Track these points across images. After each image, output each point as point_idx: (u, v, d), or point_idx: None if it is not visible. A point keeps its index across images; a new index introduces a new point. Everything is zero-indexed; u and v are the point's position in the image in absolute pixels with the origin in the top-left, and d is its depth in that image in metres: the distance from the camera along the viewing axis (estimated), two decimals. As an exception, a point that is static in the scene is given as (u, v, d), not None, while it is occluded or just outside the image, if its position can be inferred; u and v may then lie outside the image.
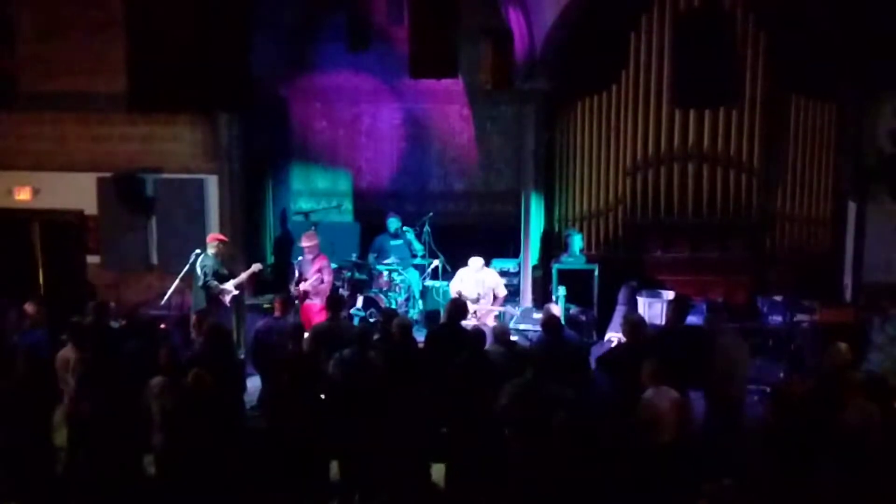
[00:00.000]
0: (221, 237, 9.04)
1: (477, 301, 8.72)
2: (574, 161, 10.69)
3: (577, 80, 10.43)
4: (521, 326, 8.99)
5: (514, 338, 7.70)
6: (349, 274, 10.24)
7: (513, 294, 10.45)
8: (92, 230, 10.89)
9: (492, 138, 11.59)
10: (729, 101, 9.16)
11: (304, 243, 9.03)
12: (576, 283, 9.54)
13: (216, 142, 10.63)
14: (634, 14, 10.10)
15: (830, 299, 9.51)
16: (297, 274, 9.02)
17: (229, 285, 8.69)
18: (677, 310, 6.82)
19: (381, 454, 5.72)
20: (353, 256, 10.49)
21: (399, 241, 10.45)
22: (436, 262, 10.21)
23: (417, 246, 10.40)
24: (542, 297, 10.14)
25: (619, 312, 9.20)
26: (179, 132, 10.61)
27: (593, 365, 6.73)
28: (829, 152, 10.16)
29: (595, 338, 9.07)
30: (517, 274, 10.56)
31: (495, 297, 9.01)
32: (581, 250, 10.10)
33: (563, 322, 7.31)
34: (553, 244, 10.69)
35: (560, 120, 10.66)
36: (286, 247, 11.46)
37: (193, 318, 8.29)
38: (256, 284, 10.50)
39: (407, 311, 9.86)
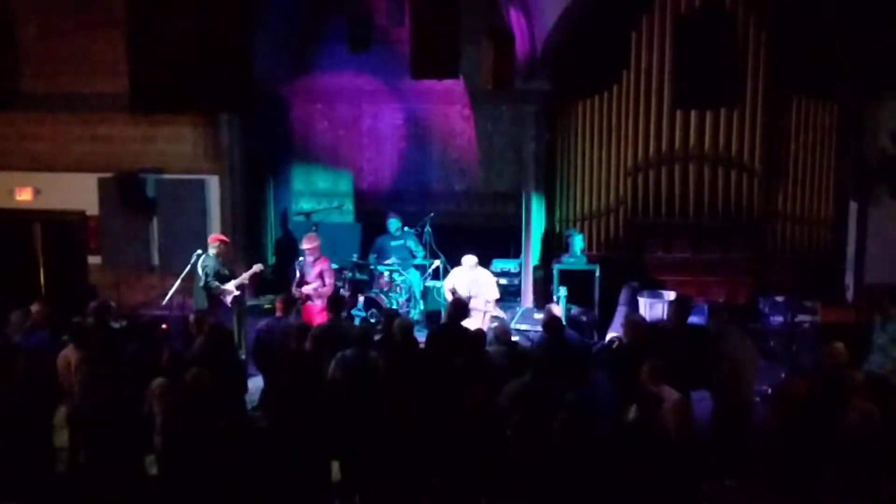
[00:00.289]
0: (223, 238, 9.05)
1: (468, 300, 8.68)
2: (575, 161, 10.69)
3: (578, 81, 10.43)
4: (522, 327, 8.99)
5: (514, 338, 7.71)
6: (350, 274, 10.26)
7: (514, 294, 10.47)
8: (93, 231, 10.91)
9: (492, 139, 11.60)
10: (730, 101, 9.13)
11: (306, 245, 9.04)
12: (577, 283, 9.56)
13: (217, 142, 10.65)
14: (635, 14, 10.11)
15: (832, 300, 9.52)
16: (297, 275, 9.03)
17: (230, 286, 8.70)
18: (679, 310, 6.82)
19: (381, 455, 5.72)
20: (354, 257, 10.51)
21: (400, 242, 10.45)
22: (436, 263, 10.21)
23: (418, 249, 10.41)
24: (543, 297, 10.15)
25: (621, 313, 9.20)
26: (181, 133, 10.63)
27: (594, 366, 6.73)
28: (830, 152, 10.16)
29: (596, 338, 9.07)
30: (518, 274, 10.57)
31: (486, 299, 8.96)
32: (582, 251, 10.11)
33: (564, 322, 7.31)
34: (554, 245, 10.69)
35: (561, 120, 10.67)
36: (287, 247, 11.48)
37: (192, 316, 8.30)
38: (257, 285, 10.52)
39: (408, 312, 9.87)
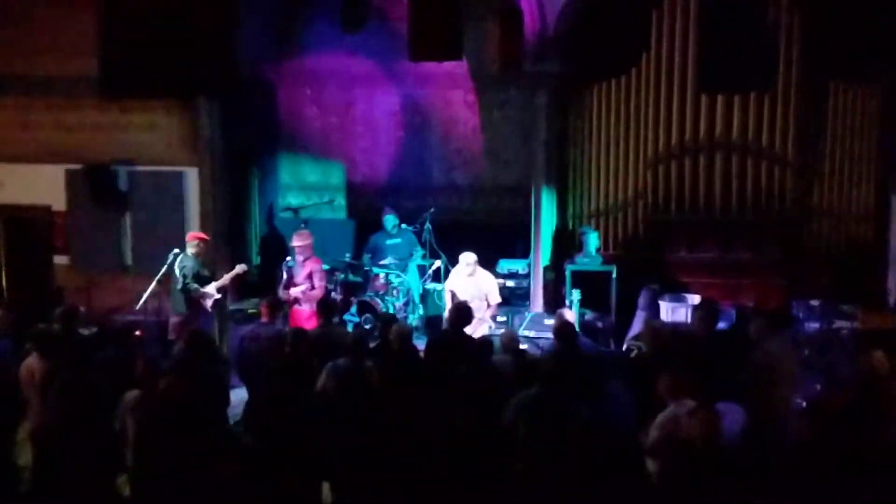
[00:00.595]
0: (202, 236, 9.07)
1: None
2: (590, 151, 10.69)
3: (594, 62, 10.43)
4: (531, 334, 9.00)
5: (523, 346, 7.71)
6: (342, 276, 10.27)
7: (522, 298, 10.48)
8: (60, 228, 10.93)
9: (499, 127, 11.61)
10: (761, 85, 9.19)
11: (297, 242, 9.04)
12: (591, 285, 9.56)
13: (196, 131, 10.66)
14: (657, -11, 10.13)
15: (872, 304, 9.52)
16: (285, 276, 9.05)
17: (211, 288, 8.72)
18: (705, 315, 6.82)
19: (377, 475, 5.73)
20: (347, 257, 10.52)
21: (397, 240, 10.47)
22: (437, 263, 10.23)
23: (417, 248, 10.42)
24: (554, 301, 10.16)
25: (640, 318, 9.20)
26: (156, 120, 10.64)
27: (610, 377, 6.73)
28: (870, 141, 10.15)
29: (613, 346, 9.08)
30: (527, 276, 10.58)
31: (487, 304, 8.95)
32: (597, 250, 10.12)
33: (577, 329, 7.32)
34: (566, 243, 10.69)
35: (574, 106, 10.67)
36: (273, 246, 11.49)
37: (173, 320, 8.32)
38: (241, 287, 10.54)
39: (406, 317, 9.88)
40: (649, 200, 10.49)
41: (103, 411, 5.99)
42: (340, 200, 12.12)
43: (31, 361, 6.56)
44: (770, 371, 6.28)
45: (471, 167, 11.78)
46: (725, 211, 10.30)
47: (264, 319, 7.51)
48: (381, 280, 10.12)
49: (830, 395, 7.28)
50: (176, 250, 8.77)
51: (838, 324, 8.75)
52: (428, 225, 10.51)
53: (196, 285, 8.61)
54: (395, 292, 10.09)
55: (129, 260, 10.79)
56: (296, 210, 11.51)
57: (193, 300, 8.61)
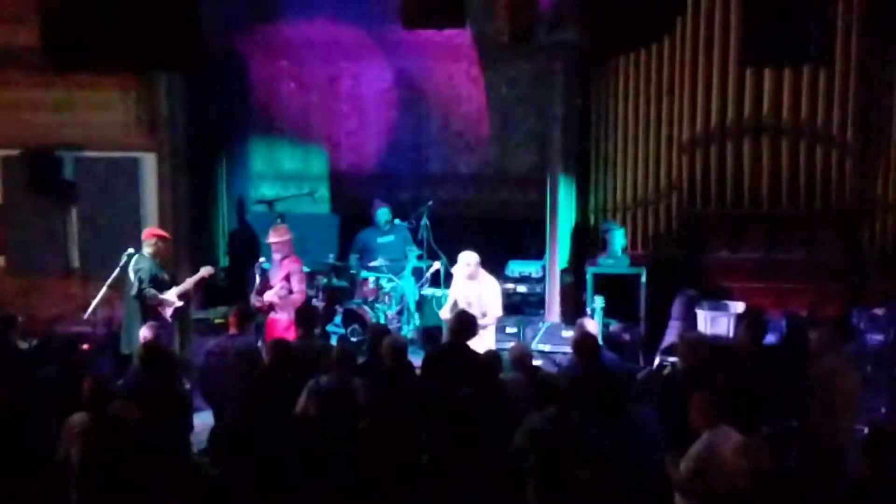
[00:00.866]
0: (161, 233, 9.07)
1: None
2: (614, 135, 10.68)
3: (619, 30, 10.41)
4: (546, 348, 9.00)
5: (536, 362, 7.70)
6: (325, 280, 10.27)
7: (535, 306, 10.47)
8: (-6, 223, 10.94)
9: (509, 106, 11.61)
10: (814, 57, 9.17)
11: (273, 239, 9.04)
12: (617, 291, 9.56)
13: (154, 111, 10.67)
14: (692, -55, 10.12)
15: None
16: (258, 281, 9.05)
17: (171, 294, 8.71)
18: (750, 326, 6.81)
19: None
20: (331, 257, 10.52)
21: (389, 238, 10.46)
22: (436, 265, 10.22)
23: (412, 247, 10.42)
24: (573, 309, 10.15)
25: (673, 329, 9.19)
26: (107, 98, 10.65)
27: (639, 398, 6.73)
28: (944, 123, 10.15)
29: (642, 363, 9.07)
30: (541, 280, 10.57)
31: (482, 315, 8.86)
32: (624, 250, 10.11)
33: (600, 342, 7.31)
34: (587, 242, 10.70)
35: (597, 82, 10.66)
36: (244, 245, 11.50)
37: (145, 333, 8.27)
38: (206, 293, 10.53)
39: (399, 328, 9.88)
40: (684, 191, 10.47)
41: (44, 437, 5.99)
42: (323, 192, 12.12)
43: (-39, 380, 6.56)
44: (826, 392, 6.27)
45: (475, 153, 11.78)
46: (774, 204, 10.28)
47: (233, 331, 7.50)
48: (371, 285, 10.12)
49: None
50: (130, 250, 8.77)
51: (906, 336, 8.76)
52: (425, 220, 10.50)
53: (153, 291, 8.60)
54: (386, 299, 10.09)
55: (75, 261, 10.80)
56: (270, 203, 11.49)
57: (151, 308, 8.60)
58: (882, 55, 10.09)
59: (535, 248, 10.92)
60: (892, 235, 10.32)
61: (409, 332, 10.00)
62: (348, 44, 11.64)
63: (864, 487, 5.23)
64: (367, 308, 9.93)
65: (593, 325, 7.79)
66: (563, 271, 10.50)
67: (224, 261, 11.88)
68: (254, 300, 8.87)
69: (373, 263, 10.29)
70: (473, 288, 8.81)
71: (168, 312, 8.69)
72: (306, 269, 9.51)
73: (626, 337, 9.38)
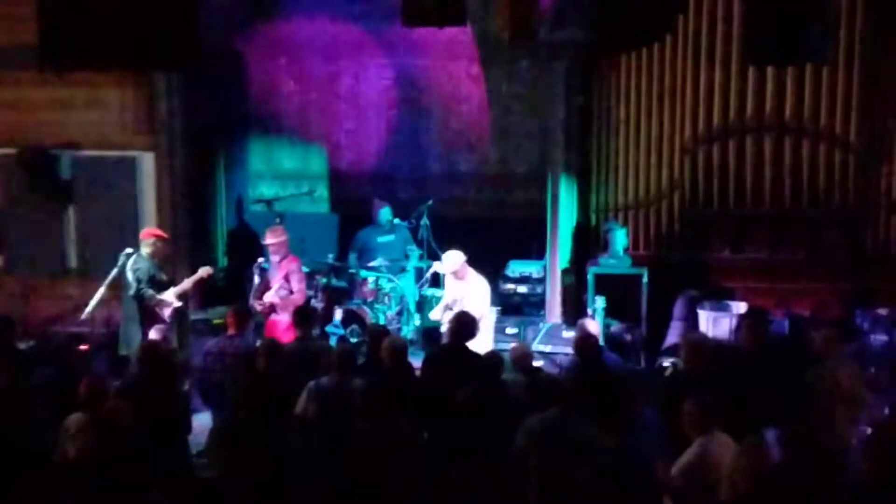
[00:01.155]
0: (159, 233, 9.07)
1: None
2: (616, 134, 10.68)
3: (621, 29, 10.42)
4: (548, 349, 9.00)
5: (537, 363, 7.71)
6: (324, 280, 10.26)
7: (536, 307, 10.48)
8: (-9, 223, 10.93)
9: (509, 104, 11.61)
10: (818, 56, 9.13)
11: (269, 240, 9.06)
12: (618, 291, 9.56)
13: (152, 109, 10.65)
14: (695, -57, 10.13)
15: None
16: (257, 281, 9.03)
17: (169, 295, 8.71)
18: (752, 327, 6.82)
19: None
20: (330, 257, 10.51)
21: (389, 238, 10.46)
22: (436, 265, 10.21)
23: (412, 247, 10.41)
24: (574, 310, 10.16)
25: (675, 330, 9.19)
26: (105, 97, 10.64)
27: (640, 400, 6.73)
28: (948, 122, 10.16)
29: (643, 364, 9.08)
30: (542, 280, 10.58)
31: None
32: (625, 250, 10.12)
33: (601, 343, 7.31)
34: (589, 242, 10.70)
35: (598, 81, 10.66)
36: (243, 245, 11.50)
37: (153, 335, 8.27)
38: (204, 294, 10.53)
39: (399, 329, 9.87)
40: (687, 191, 10.48)
41: (41, 437, 5.99)
42: (322, 191, 12.12)
43: (-43, 381, 6.56)
44: (829, 392, 6.27)
45: (476, 152, 11.78)
46: (776, 204, 10.29)
47: (232, 332, 7.51)
48: (371, 285, 10.11)
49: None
50: (128, 250, 8.77)
51: (910, 336, 8.77)
52: (425, 220, 10.50)
53: (152, 291, 8.60)
54: (386, 299, 10.08)
55: (72, 261, 10.78)
56: (269, 202, 11.47)
57: (149, 309, 8.61)
58: (884, 54, 10.11)
59: (535, 249, 10.93)
60: (895, 235, 10.33)
61: (408, 332, 10.00)
62: (348, 42, 11.65)
63: (867, 488, 5.23)
64: (366, 308, 9.92)
65: (594, 326, 7.80)
66: (564, 271, 10.51)
67: (223, 261, 11.88)
68: (253, 301, 8.88)
69: (372, 263, 10.29)
70: (461, 287, 8.85)
71: (166, 313, 8.69)
72: (305, 269, 9.52)
73: (628, 337, 9.39)
